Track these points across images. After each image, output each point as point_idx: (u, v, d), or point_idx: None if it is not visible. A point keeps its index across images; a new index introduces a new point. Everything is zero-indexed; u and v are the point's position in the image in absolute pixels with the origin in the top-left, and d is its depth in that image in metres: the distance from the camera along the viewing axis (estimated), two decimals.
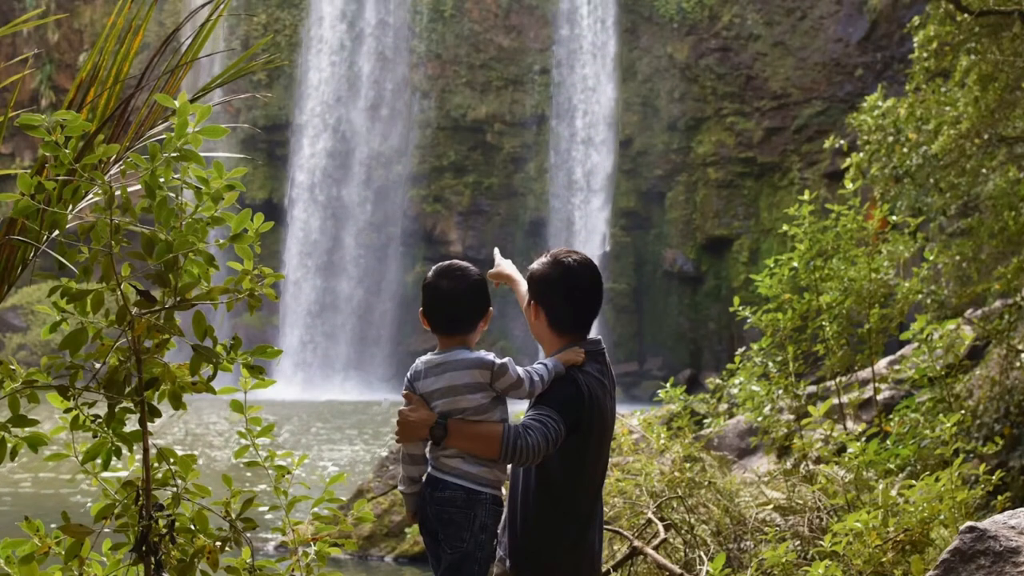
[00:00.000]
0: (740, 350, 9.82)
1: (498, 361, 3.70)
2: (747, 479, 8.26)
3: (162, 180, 3.44)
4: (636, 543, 7.05)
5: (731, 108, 38.16)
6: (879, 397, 10.79)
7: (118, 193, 3.40)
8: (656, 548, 7.12)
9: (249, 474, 13.70)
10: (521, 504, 3.83)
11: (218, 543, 3.69)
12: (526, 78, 39.88)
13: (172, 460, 3.62)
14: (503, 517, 3.86)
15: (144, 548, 3.51)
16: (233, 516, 3.75)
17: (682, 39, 38.71)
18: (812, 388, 10.90)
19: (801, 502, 7.55)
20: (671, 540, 7.37)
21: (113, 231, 3.39)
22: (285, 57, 38.66)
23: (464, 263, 3.91)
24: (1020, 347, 9.94)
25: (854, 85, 36.09)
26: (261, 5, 39.99)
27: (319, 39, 40.12)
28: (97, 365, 3.51)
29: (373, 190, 39.92)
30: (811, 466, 8.21)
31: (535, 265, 3.98)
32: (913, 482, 6.87)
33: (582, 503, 3.86)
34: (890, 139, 12.15)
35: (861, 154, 12.29)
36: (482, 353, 3.75)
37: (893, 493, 6.67)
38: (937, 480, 6.53)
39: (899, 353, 12.91)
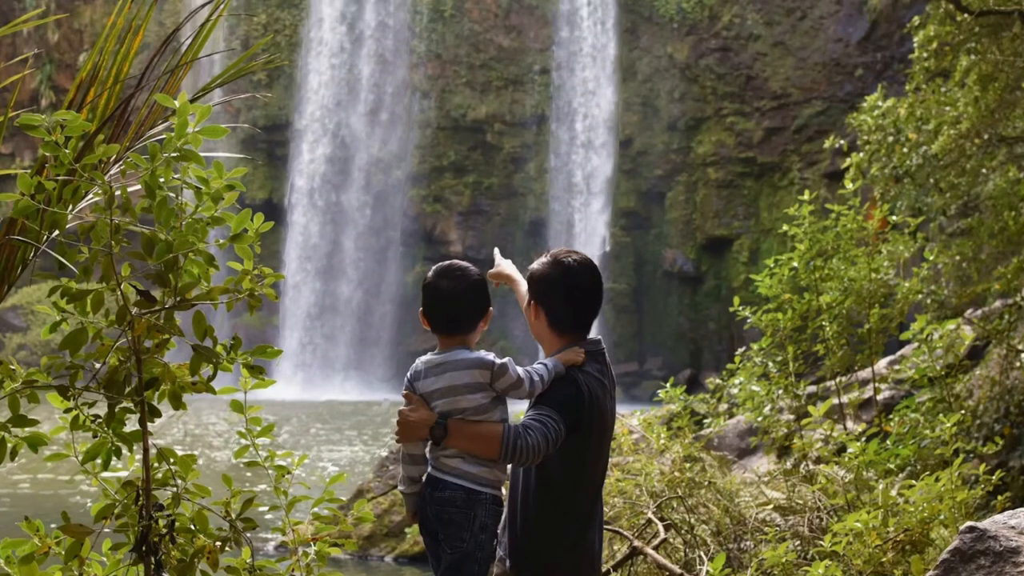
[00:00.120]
0: (740, 350, 9.82)
1: (498, 361, 3.70)
2: (747, 479, 8.26)
3: (162, 180, 3.44)
4: (636, 543, 7.05)
5: (731, 108, 38.16)
6: (879, 397, 10.79)
7: (118, 193, 3.40)
8: (656, 548, 7.12)
9: (249, 474, 13.70)
10: (521, 504, 3.83)
11: (218, 543, 3.69)
12: (526, 78, 39.88)
13: (172, 460, 3.62)
14: (503, 517, 3.86)
15: (144, 548, 3.51)
16: (233, 516, 3.75)
17: (682, 39, 38.71)
18: (812, 388, 10.90)
19: (801, 502, 7.55)
20: (671, 540, 7.37)
21: (113, 231, 3.39)
22: (285, 57, 38.67)
23: (464, 263, 3.91)
24: (1020, 347, 9.94)
25: (854, 85, 36.09)
26: (261, 5, 39.99)
27: (319, 41, 40.12)
28: (97, 365, 3.51)
29: (372, 195, 39.93)
30: (811, 466, 8.21)
31: (535, 265, 3.98)
32: (913, 482, 6.87)
33: (582, 503, 3.86)
34: (890, 139, 12.15)
35: (861, 154, 12.29)
36: (482, 353, 3.75)
37: (893, 493, 6.67)
38: (937, 480, 6.53)
39: (899, 353, 12.91)
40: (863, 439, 8.16)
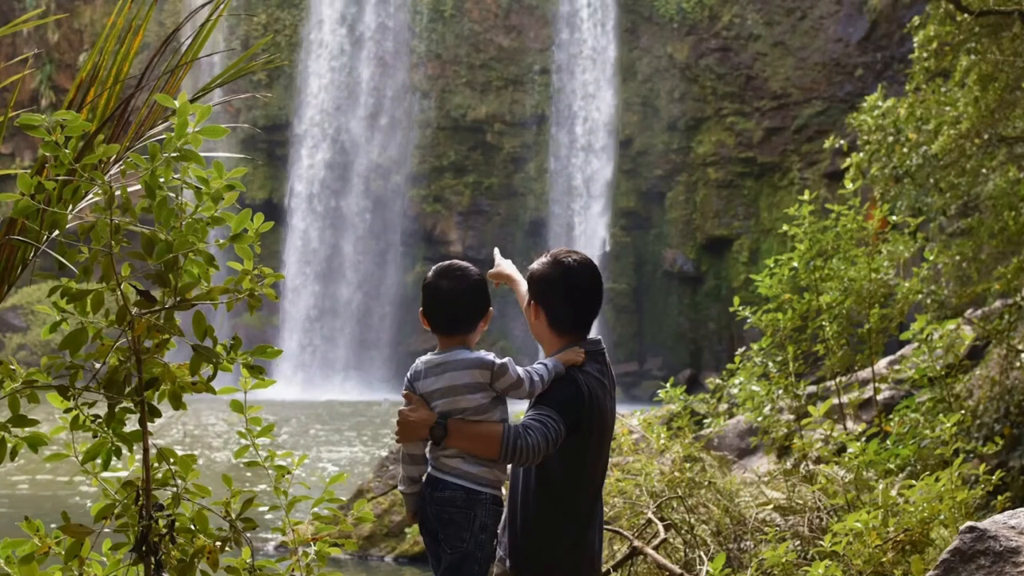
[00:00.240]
0: (740, 350, 9.82)
1: (498, 361, 3.70)
2: (747, 479, 8.26)
3: (162, 180, 3.44)
4: (636, 543, 7.05)
5: (731, 108, 38.16)
6: (879, 397, 10.79)
7: (118, 193, 3.39)
8: (656, 548, 7.12)
9: (249, 474, 13.70)
10: (521, 504, 3.83)
11: (218, 543, 3.69)
12: (526, 78, 39.88)
13: (172, 460, 3.62)
14: (503, 517, 3.86)
15: (144, 548, 3.51)
16: (233, 516, 3.75)
17: (682, 39, 38.71)
18: (812, 388, 10.89)
19: (801, 502, 7.55)
20: (671, 540, 7.37)
21: (113, 231, 3.39)
22: (285, 57, 38.67)
23: (464, 263, 3.91)
24: (1020, 347, 9.94)
25: (854, 85, 36.09)
26: (261, 5, 39.99)
27: (319, 43, 40.10)
28: (97, 365, 3.51)
29: (372, 200, 39.93)
30: (811, 466, 8.21)
31: (535, 265, 3.98)
32: (913, 482, 6.87)
33: (582, 503, 3.86)
34: (890, 139, 12.15)
35: (861, 154, 12.29)
36: (482, 353, 3.75)
37: (893, 493, 6.67)
38: (937, 480, 6.53)
39: (899, 353, 12.91)
40: (863, 439, 8.16)
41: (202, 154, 3.48)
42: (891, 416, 9.65)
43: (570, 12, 39.65)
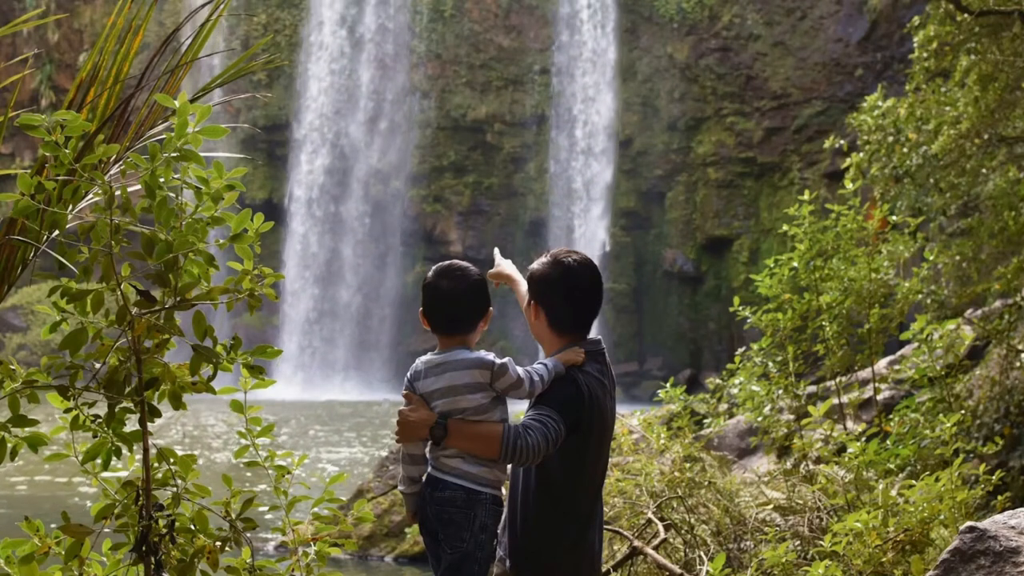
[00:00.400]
0: (740, 350, 9.81)
1: (498, 361, 3.70)
2: (747, 479, 8.26)
3: (162, 180, 3.44)
4: (636, 543, 7.05)
5: (731, 108, 38.16)
6: (879, 397, 10.78)
7: (118, 193, 3.39)
8: (656, 548, 7.12)
9: (249, 474, 13.70)
10: (521, 504, 3.83)
11: (218, 543, 3.69)
12: (526, 78, 39.88)
13: (172, 460, 3.62)
14: (503, 517, 3.86)
15: (144, 548, 3.51)
16: (233, 516, 3.75)
17: (682, 39, 38.71)
18: (812, 388, 10.89)
19: (801, 502, 7.55)
20: (671, 540, 7.37)
21: (113, 231, 3.39)
22: (285, 57, 38.67)
23: (464, 263, 3.91)
24: (1020, 347, 9.94)
25: (854, 85, 36.10)
26: (261, 5, 39.99)
27: (319, 45, 40.08)
28: (97, 365, 3.51)
29: (371, 204, 39.94)
30: (811, 466, 8.21)
31: (535, 265, 3.98)
32: (913, 482, 6.87)
33: (582, 503, 3.86)
34: (890, 139, 12.15)
35: (861, 154, 12.29)
36: (482, 353, 3.75)
37: (893, 493, 6.67)
38: (937, 480, 6.53)
39: (899, 353, 12.90)
40: (863, 439, 8.16)
41: (202, 154, 3.48)
42: (891, 416, 9.65)
43: (570, 14, 39.64)
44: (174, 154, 3.43)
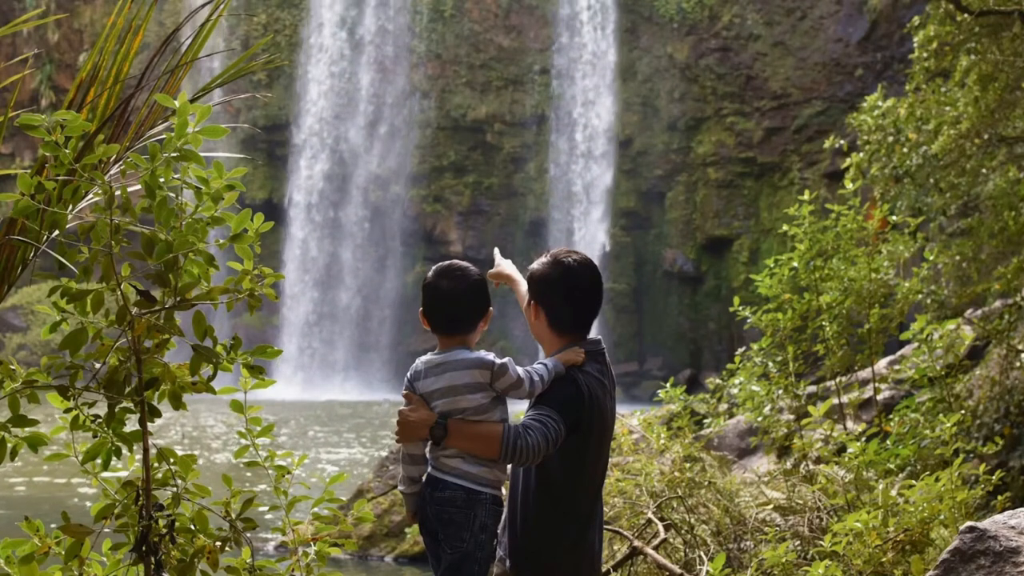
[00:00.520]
0: (740, 350, 9.81)
1: (498, 361, 3.70)
2: (747, 479, 8.26)
3: (162, 180, 3.44)
4: (636, 543, 7.05)
5: (731, 108, 38.16)
6: (879, 397, 10.78)
7: (118, 193, 3.39)
8: (656, 548, 7.12)
9: (249, 474, 13.69)
10: (521, 504, 3.83)
11: (218, 543, 3.69)
12: (526, 78, 39.88)
13: (172, 460, 3.62)
14: (503, 517, 3.86)
15: (144, 548, 3.51)
16: (233, 516, 3.75)
17: (682, 39, 38.71)
18: (812, 388, 10.89)
19: (801, 502, 7.55)
20: (671, 540, 7.37)
21: (113, 231, 3.39)
22: (285, 57, 38.66)
23: (464, 263, 3.91)
24: (1020, 347, 9.94)
25: (854, 85, 36.10)
26: (261, 5, 39.98)
27: (319, 47, 40.07)
28: (97, 365, 3.51)
29: (371, 210, 39.95)
30: (811, 466, 8.21)
31: (535, 265, 3.98)
32: (913, 482, 6.87)
33: (582, 503, 3.86)
34: (890, 139, 12.15)
35: (861, 154, 12.29)
36: (482, 353, 3.75)
37: (893, 493, 6.67)
38: (937, 480, 6.53)
39: (899, 353, 12.90)
40: (863, 439, 8.16)
41: (202, 154, 3.48)
42: (891, 416, 9.65)
43: (570, 15, 39.63)
44: (174, 154, 3.43)
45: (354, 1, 40.38)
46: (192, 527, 3.63)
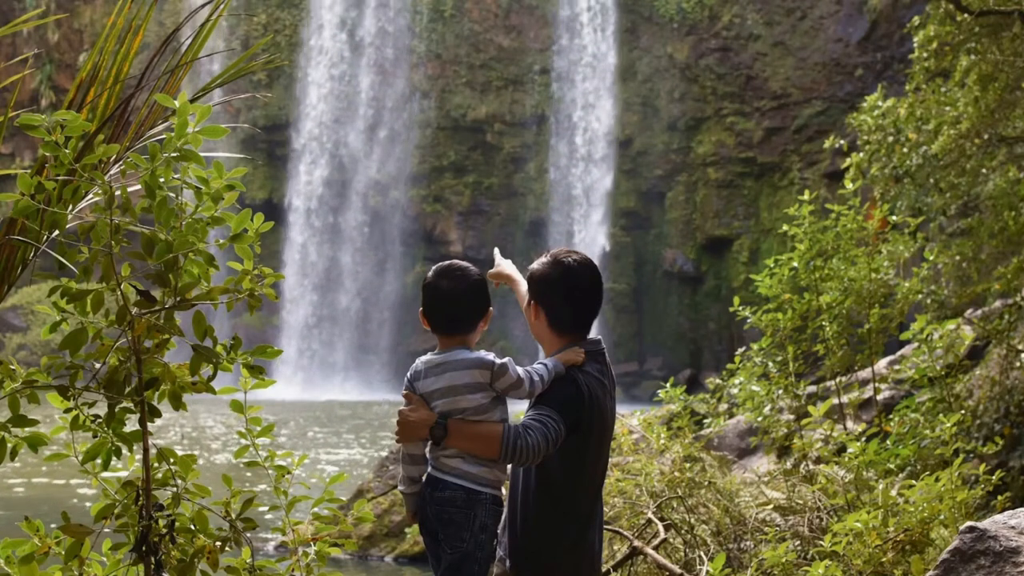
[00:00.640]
0: (740, 350, 9.81)
1: (498, 361, 3.70)
2: (747, 479, 8.26)
3: (162, 180, 3.44)
4: (636, 543, 7.05)
5: (731, 108, 38.17)
6: (879, 397, 10.78)
7: (118, 193, 3.39)
8: (656, 548, 7.12)
9: (249, 474, 13.69)
10: (521, 504, 3.83)
11: (218, 543, 3.69)
12: (526, 78, 39.88)
13: (172, 460, 3.62)
14: (503, 517, 3.86)
15: (144, 548, 3.51)
16: (233, 516, 3.75)
17: (682, 39, 38.72)
18: (812, 388, 10.89)
19: (801, 502, 7.55)
20: (671, 540, 7.37)
21: (113, 231, 3.39)
22: (285, 57, 38.66)
23: (464, 263, 3.91)
24: (1020, 347, 9.94)
25: (854, 85, 36.10)
26: (261, 5, 39.99)
27: (319, 50, 40.04)
28: (97, 365, 3.51)
29: (370, 215, 39.96)
30: (811, 466, 8.21)
31: (535, 265, 3.98)
32: (913, 482, 6.87)
33: (582, 503, 3.85)
34: (890, 139, 12.15)
35: (861, 154, 12.29)
36: (482, 353, 3.75)
37: (893, 493, 6.67)
38: (937, 480, 6.53)
39: (899, 353, 12.90)
40: (863, 439, 8.16)
41: (202, 154, 3.48)
42: (891, 416, 9.65)
43: (570, 16, 39.63)
44: (174, 154, 3.42)
45: (354, 2, 40.37)
46: (192, 527, 3.63)
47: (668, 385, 9.38)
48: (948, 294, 11.10)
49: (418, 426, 3.71)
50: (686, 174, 38.73)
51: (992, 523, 4.66)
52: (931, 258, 10.45)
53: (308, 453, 19.56)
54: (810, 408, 8.27)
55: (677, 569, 6.82)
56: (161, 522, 3.53)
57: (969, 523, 4.72)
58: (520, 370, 3.72)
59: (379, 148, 40.12)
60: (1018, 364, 9.71)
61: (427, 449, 3.80)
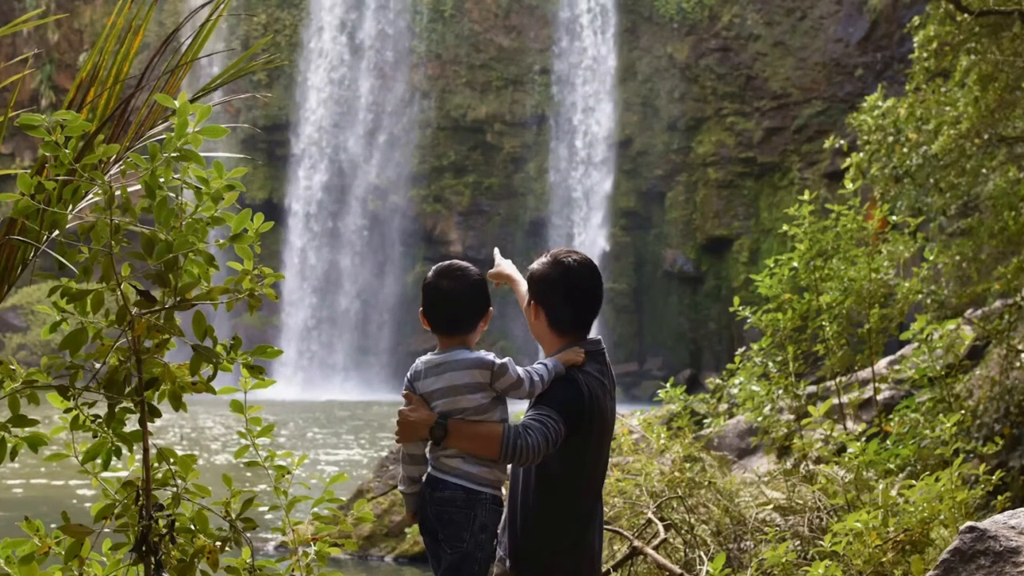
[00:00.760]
0: (740, 350, 9.82)
1: (498, 361, 3.70)
2: (747, 479, 8.26)
3: (162, 180, 3.44)
4: (636, 543, 7.05)
5: (731, 108, 38.16)
6: (879, 397, 10.78)
7: (118, 193, 3.39)
8: (656, 548, 7.12)
9: (249, 474, 13.69)
10: (521, 504, 3.83)
11: (218, 543, 3.69)
12: (526, 78, 39.88)
13: (172, 460, 3.62)
14: (503, 517, 3.86)
15: (144, 548, 3.51)
16: (233, 516, 3.75)
17: (682, 39, 38.71)
18: (812, 388, 10.89)
19: (801, 502, 7.55)
20: (671, 540, 7.37)
21: (113, 231, 3.39)
22: (285, 57, 38.66)
23: (464, 263, 3.91)
24: (1020, 347, 9.94)
25: (854, 85, 36.09)
26: (261, 5, 39.98)
27: (319, 52, 40.01)
28: (97, 365, 3.51)
29: (369, 219, 39.96)
30: (811, 466, 8.21)
31: (535, 265, 3.98)
32: (913, 482, 6.87)
33: (582, 503, 3.85)
34: (890, 139, 12.15)
35: (861, 154, 12.29)
36: (482, 353, 3.75)
37: (893, 493, 6.67)
38: (937, 480, 6.53)
39: (899, 353, 12.90)
40: (863, 439, 8.16)
41: (202, 154, 3.48)
42: (891, 416, 9.65)
43: (570, 18, 39.61)
44: (174, 154, 3.42)
45: (354, 3, 40.36)
46: (192, 527, 3.63)
47: (668, 385, 9.38)
48: (948, 294, 11.10)
49: (418, 426, 3.71)
50: (686, 174, 38.73)
51: (992, 523, 4.66)
52: (931, 258, 10.45)
53: (308, 453, 19.55)
54: (810, 408, 8.27)
55: (677, 569, 6.82)
56: (161, 522, 3.53)
57: (969, 523, 4.72)
58: (520, 370, 3.72)
59: (379, 153, 40.11)
60: (1018, 364, 9.71)
61: (427, 449, 3.80)
